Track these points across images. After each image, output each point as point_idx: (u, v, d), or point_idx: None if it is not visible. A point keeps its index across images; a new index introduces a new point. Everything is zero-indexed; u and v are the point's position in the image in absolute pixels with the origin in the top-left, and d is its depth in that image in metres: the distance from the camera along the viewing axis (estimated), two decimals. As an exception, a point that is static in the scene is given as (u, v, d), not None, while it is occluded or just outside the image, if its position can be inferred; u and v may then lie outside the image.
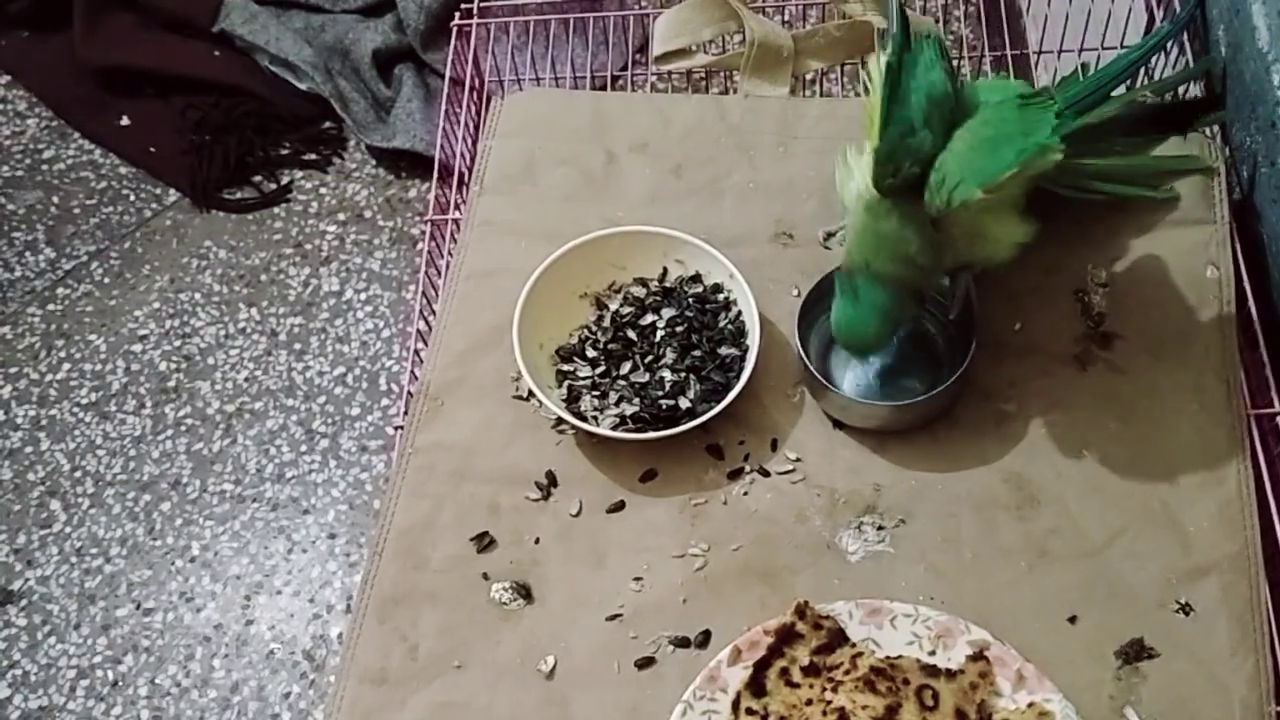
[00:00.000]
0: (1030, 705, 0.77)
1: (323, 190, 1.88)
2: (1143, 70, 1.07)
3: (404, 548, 0.88)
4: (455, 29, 1.19)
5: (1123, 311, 0.93)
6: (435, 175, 1.11)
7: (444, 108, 1.14)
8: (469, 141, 1.16)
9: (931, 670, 0.79)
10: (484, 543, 0.88)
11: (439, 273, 1.06)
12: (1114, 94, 0.93)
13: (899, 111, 0.83)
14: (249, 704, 1.45)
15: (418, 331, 1.01)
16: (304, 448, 1.63)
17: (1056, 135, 0.82)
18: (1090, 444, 0.88)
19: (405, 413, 0.94)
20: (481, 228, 1.03)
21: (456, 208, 1.09)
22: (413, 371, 0.99)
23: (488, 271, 1.00)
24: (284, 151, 1.92)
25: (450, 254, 1.05)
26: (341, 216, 1.85)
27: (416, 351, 1.00)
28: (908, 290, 0.86)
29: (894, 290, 0.85)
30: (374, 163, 1.90)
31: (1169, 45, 1.07)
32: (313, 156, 1.91)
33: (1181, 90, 1.04)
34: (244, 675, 1.47)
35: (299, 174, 1.90)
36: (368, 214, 1.85)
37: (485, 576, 0.87)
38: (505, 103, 1.10)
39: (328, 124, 1.93)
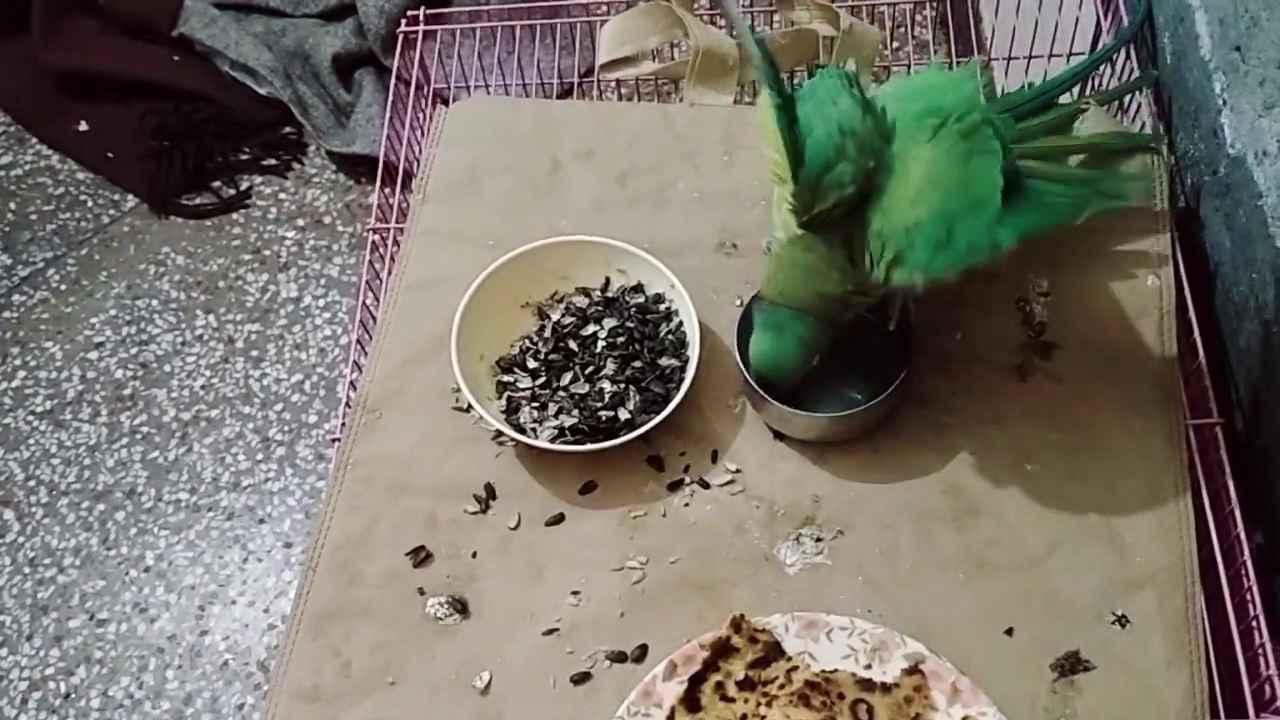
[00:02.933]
0: (965, 719, 0.77)
1: (282, 196, 1.87)
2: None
3: (339, 562, 0.87)
4: (402, 36, 1.18)
5: (1063, 321, 0.92)
6: (379, 183, 1.10)
7: (388, 115, 1.13)
8: (418, 149, 1.15)
9: (867, 684, 0.79)
10: (420, 557, 0.87)
11: (383, 282, 1.05)
12: (1060, 101, 0.92)
13: (807, 150, 0.80)
14: (202, 715, 1.44)
15: (357, 342, 1.00)
16: (260, 456, 1.62)
17: (1009, 226, 0.78)
18: (1029, 454, 0.87)
19: (343, 425, 0.94)
20: (424, 237, 1.02)
21: (402, 215, 1.08)
22: (352, 382, 0.98)
23: (430, 281, 0.99)
24: (243, 157, 1.90)
25: (393, 261, 1.04)
26: (301, 222, 1.84)
27: (356, 362, 0.99)
28: (828, 320, 0.85)
29: (814, 321, 0.84)
30: (334, 168, 1.89)
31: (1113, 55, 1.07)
32: (272, 162, 1.90)
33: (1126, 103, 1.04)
34: (198, 687, 1.45)
35: (258, 179, 1.89)
36: (327, 220, 1.84)
37: (421, 591, 0.86)
38: (450, 110, 1.09)
39: (287, 129, 1.92)
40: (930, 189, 0.79)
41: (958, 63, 1.28)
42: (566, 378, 0.93)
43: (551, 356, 0.94)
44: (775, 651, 0.80)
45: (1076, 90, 1.00)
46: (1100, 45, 1.10)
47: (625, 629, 0.83)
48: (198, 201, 1.87)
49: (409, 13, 1.20)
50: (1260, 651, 0.79)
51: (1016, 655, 0.80)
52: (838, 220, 0.81)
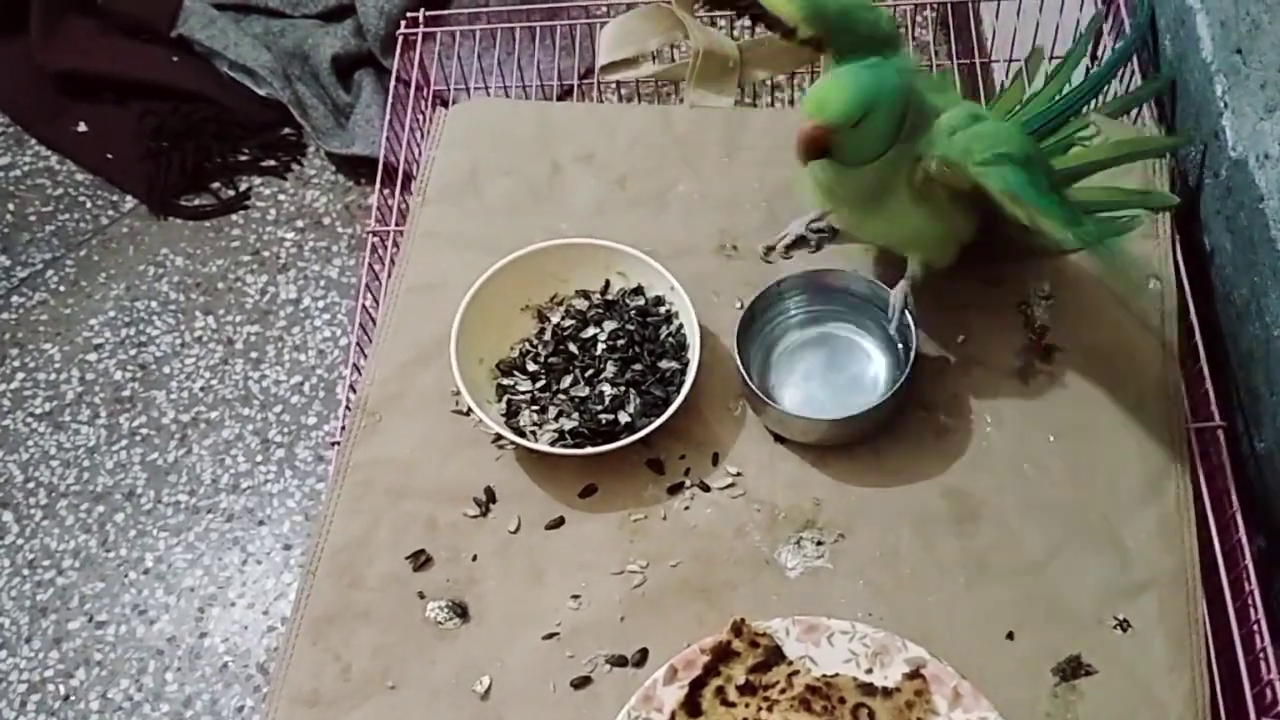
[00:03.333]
0: (966, 723, 0.77)
1: (281, 197, 1.87)
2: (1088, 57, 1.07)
3: (339, 566, 0.87)
4: (402, 37, 1.18)
5: (1065, 324, 0.92)
6: (378, 185, 1.10)
7: (388, 117, 1.13)
8: (418, 151, 1.15)
9: (868, 689, 0.79)
10: (420, 560, 0.87)
11: (382, 284, 1.05)
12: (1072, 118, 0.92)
13: None
14: (202, 718, 1.43)
15: (357, 344, 1.00)
16: (260, 458, 1.62)
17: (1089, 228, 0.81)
18: (1031, 458, 0.87)
19: (343, 428, 0.93)
20: (424, 239, 1.02)
21: (401, 218, 1.07)
22: (351, 385, 0.97)
23: (429, 284, 0.99)
24: (242, 158, 1.90)
25: (393, 264, 1.04)
26: (300, 223, 1.84)
27: (356, 365, 0.99)
28: (913, 114, 0.82)
29: (905, 90, 0.81)
30: (333, 169, 1.89)
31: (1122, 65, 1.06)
32: (271, 163, 1.89)
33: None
34: (197, 689, 1.45)
35: (257, 180, 1.88)
36: (326, 221, 1.83)
37: (421, 595, 0.86)
38: (449, 113, 1.09)
39: (287, 130, 1.91)
40: (993, 131, 0.83)
41: (959, 63, 1.28)
42: (566, 381, 0.92)
43: (551, 359, 0.94)
44: (776, 656, 0.80)
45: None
46: (1101, 44, 1.10)
47: (625, 633, 0.83)
48: (197, 203, 1.87)
49: (409, 14, 1.19)
50: (1261, 655, 0.79)
51: (1018, 659, 0.80)
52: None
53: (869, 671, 0.79)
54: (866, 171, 0.83)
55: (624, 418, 0.90)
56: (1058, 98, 0.92)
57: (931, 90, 0.85)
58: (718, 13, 1.03)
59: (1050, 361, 0.91)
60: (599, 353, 0.93)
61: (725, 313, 0.95)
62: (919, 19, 1.77)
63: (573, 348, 0.94)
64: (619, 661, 0.82)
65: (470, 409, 0.90)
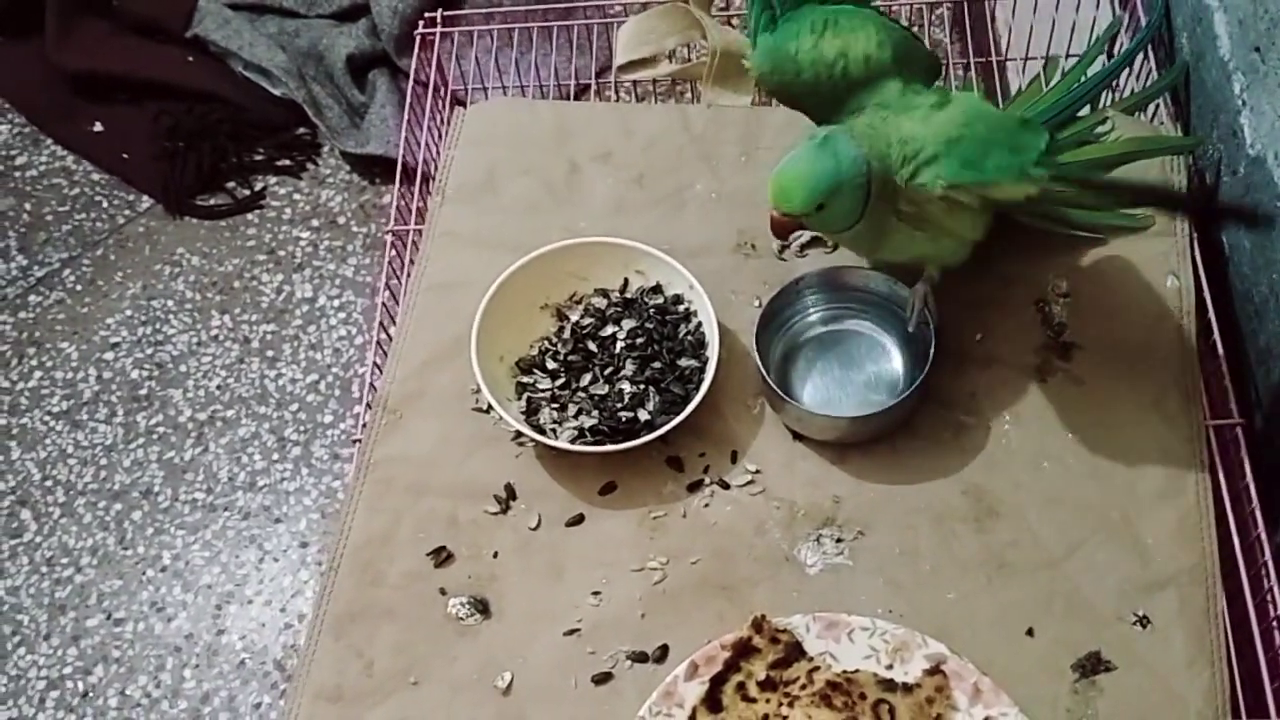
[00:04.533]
0: (987, 719, 0.77)
1: (296, 196, 1.87)
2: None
3: (361, 563, 0.87)
4: (419, 37, 1.18)
5: (1083, 322, 0.93)
6: (397, 185, 1.10)
7: (406, 117, 1.13)
8: (435, 150, 1.15)
9: (888, 685, 0.79)
10: (441, 557, 0.87)
11: (401, 283, 1.05)
12: (1080, 114, 0.92)
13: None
14: (219, 715, 1.44)
15: (377, 343, 1.00)
16: (276, 456, 1.62)
17: (1042, 168, 0.81)
18: (1049, 455, 0.87)
19: (363, 426, 0.94)
20: (443, 238, 1.02)
21: (420, 217, 1.08)
22: (372, 384, 0.98)
23: (449, 283, 1.00)
24: (257, 157, 1.91)
25: (412, 264, 1.04)
26: (315, 223, 1.84)
27: (376, 363, 1.00)
28: (877, 181, 0.80)
29: (864, 162, 0.79)
30: (348, 169, 1.89)
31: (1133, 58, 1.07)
32: (286, 162, 1.90)
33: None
34: (214, 686, 1.46)
35: (272, 180, 1.89)
36: (341, 220, 1.84)
37: (443, 591, 0.86)
38: (467, 113, 1.10)
39: (301, 130, 1.92)
40: (978, 122, 0.82)
41: (974, 61, 1.28)
42: (586, 379, 0.93)
43: (571, 357, 0.94)
44: (796, 652, 0.80)
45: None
46: (1118, 45, 1.10)
47: (646, 629, 0.84)
48: (212, 202, 1.88)
49: (425, 14, 1.20)
50: (1281, 652, 0.80)
51: (1037, 656, 0.80)
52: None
53: (889, 667, 0.80)
54: (851, 231, 0.84)
55: (643, 415, 0.90)
56: (1074, 88, 0.92)
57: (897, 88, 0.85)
58: (734, 12, 1.04)
59: (1068, 359, 0.91)
60: (618, 351, 0.94)
61: (744, 311, 0.96)
62: (932, 18, 1.77)
63: (592, 346, 0.94)
64: (640, 658, 0.83)
65: (490, 406, 0.91)
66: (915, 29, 1.24)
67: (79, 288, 1.81)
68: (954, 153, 0.80)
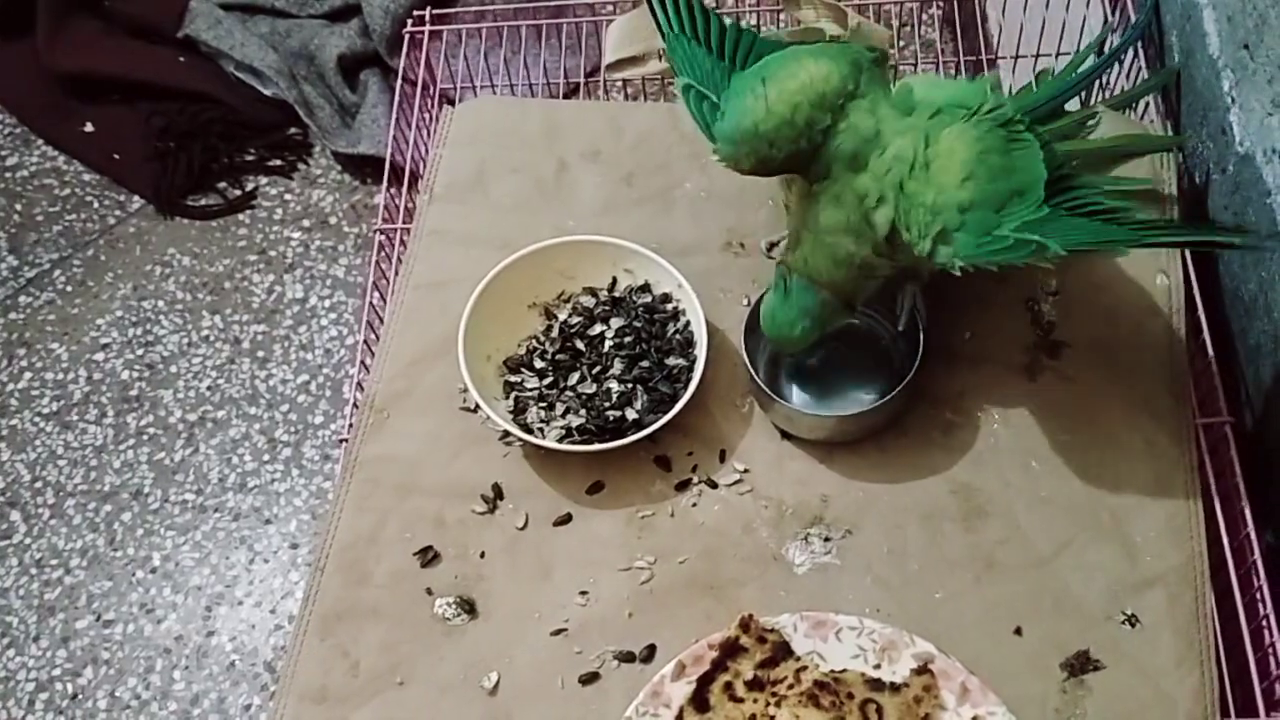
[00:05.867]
0: (975, 719, 0.77)
1: (287, 196, 1.87)
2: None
3: (347, 563, 0.87)
4: (409, 36, 1.18)
5: (1072, 320, 0.92)
6: (385, 184, 1.10)
7: (395, 116, 1.13)
8: (424, 149, 1.15)
9: (876, 684, 0.79)
10: (428, 557, 0.87)
11: (390, 282, 1.05)
12: (1068, 107, 0.92)
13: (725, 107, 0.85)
14: (209, 716, 1.44)
15: (365, 343, 1.00)
16: (266, 457, 1.62)
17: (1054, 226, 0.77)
18: (1038, 454, 0.87)
19: (350, 425, 0.93)
20: (430, 237, 1.02)
21: (409, 216, 1.08)
22: (359, 383, 0.98)
23: (437, 281, 0.99)
24: (249, 158, 1.90)
25: (400, 262, 1.04)
26: (306, 223, 1.84)
27: (363, 363, 0.99)
28: (840, 296, 0.84)
29: (825, 296, 0.84)
30: (339, 169, 1.89)
31: (1121, 55, 1.06)
32: (277, 163, 1.90)
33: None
34: (204, 687, 1.45)
35: (264, 180, 1.89)
36: (332, 220, 1.84)
37: (429, 591, 0.86)
38: (456, 111, 1.09)
39: (293, 130, 1.92)
40: (979, 166, 0.78)
41: (964, 61, 1.28)
42: (574, 378, 0.93)
43: (559, 356, 0.94)
44: (784, 651, 0.80)
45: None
46: (1108, 44, 1.10)
47: (633, 629, 0.83)
48: (203, 203, 1.87)
49: (415, 13, 1.20)
50: (1271, 650, 0.79)
51: (1026, 655, 0.80)
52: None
53: (877, 667, 0.79)
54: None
55: (631, 414, 0.90)
56: (1061, 83, 0.92)
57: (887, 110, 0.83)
58: (721, 10, 1.03)
59: (1057, 358, 0.91)
60: (606, 350, 0.93)
61: (732, 309, 0.95)
62: (924, 16, 1.77)
63: (580, 345, 0.94)
64: (627, 658, 0.82)
65: (478, 406, 0.90)
66: (906, 28, 1.24)
67: (69, 288, 1.80)
68: (968, 225, 0.77)
